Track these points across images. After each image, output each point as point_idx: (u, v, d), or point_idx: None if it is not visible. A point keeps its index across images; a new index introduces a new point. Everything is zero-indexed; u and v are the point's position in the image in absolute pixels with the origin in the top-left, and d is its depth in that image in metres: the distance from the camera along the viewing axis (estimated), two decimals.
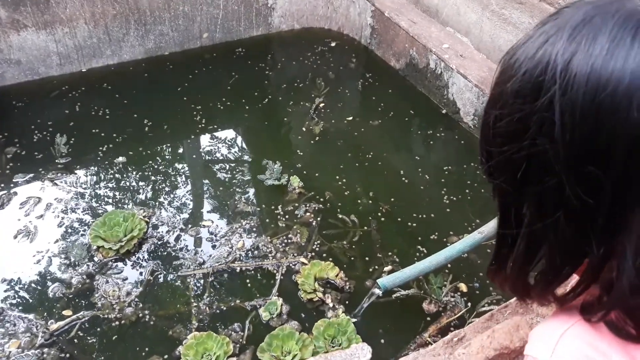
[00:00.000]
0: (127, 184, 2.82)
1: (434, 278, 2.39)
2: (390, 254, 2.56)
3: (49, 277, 2.35)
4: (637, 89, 0.51)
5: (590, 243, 0.58)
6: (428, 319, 2.28)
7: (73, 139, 2.98)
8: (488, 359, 1.22)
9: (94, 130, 3.07)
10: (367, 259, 2.54)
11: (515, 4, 2.79)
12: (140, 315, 2.24)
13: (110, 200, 2.72)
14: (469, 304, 2.33)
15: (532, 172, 0.59)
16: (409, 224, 2.71)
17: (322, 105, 3.46)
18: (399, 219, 2.73)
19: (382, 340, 2.22)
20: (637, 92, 0.51)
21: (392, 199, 2.82)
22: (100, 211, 2.64)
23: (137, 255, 2.47)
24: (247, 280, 2.43)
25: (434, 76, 3.45)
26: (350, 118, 3.39)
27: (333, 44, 4.01)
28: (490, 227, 2.08)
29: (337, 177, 2.95)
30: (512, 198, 0.63)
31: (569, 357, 0.64)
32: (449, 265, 2.39)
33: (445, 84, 3.38)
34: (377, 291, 2.17)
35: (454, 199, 2.87)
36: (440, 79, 3.41)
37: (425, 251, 2.56)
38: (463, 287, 2.40)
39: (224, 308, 2.31)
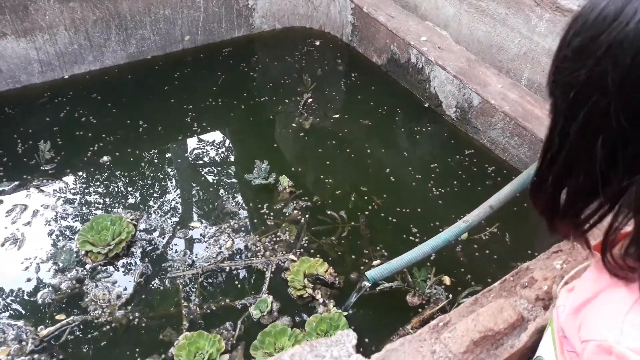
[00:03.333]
0: (114, 187, 2.81)
1: (417, 271, 2.41)
2: (378, 248, 2.59)
3: (37, 284, 2.34)
4: None
5: (617, 170, 0.65)
6: (411, 312, 2.31)
7: (58, 145, 2.97)
8: (473, 341, 1.24)
9: (78, 136, 3.06)
10: (356, 253, 2.56)
11: None
12: (131, 318, 2.25)
13: (97, 205, 2.71)
14: (450, 296, 2.36)
15: (586, 92, 0.65)
16: (397, 218, 2.74)
17: (310, 100, 3.48)
18: (387, 214, 2.75)
19: (367, 332, 2.24)
20: None
21: (380, 194, 2.85)
22: (87, 216, 2.64)
23: (126, 259, 2.47)
24: (237, 279, 2.44)
25: (415, 70, 3.48)
26: (337, 116, 3.41)
27: (317, 43, 4.03)
28: (474, 215, 2.11)
29: (325, 174, 2.97)
30: (563, 115, 0.69)
31: None
32: (432, 258, 2.42)
33: (426, 77, 3.41)
34: (366, 283, 2.19)
35: (442, 191, 2.90)
36: (421, 73, 3.44)
37: (413, 244, 2.58)
38: (447, 279, 2.43)
39: (215, 308, 2.32)
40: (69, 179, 2.84)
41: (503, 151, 3.07)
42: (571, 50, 0.66)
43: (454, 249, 2.57)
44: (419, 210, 2.79)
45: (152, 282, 2.40)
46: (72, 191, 2.77)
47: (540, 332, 1.29)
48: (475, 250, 2.59)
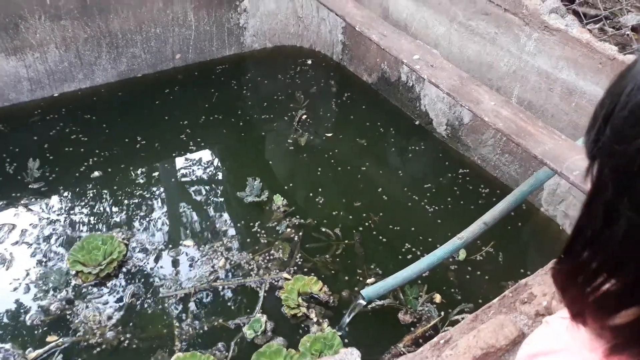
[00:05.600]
0: (105, 207, 2.78)
1: (409, 289, 2.40)
2: (373, 266, 2.58)
3: (26, 305, 2.29)
4: None
5: None
6: (403, 329, 2.30)
7: (48, 163, 2.94)
8: (475, 358, 1.23)
9: (67, 154, 3.03)
10: (350, 272, 2.55)
11: (481, 15, 2.87)
12: (122, 339, 2.20)
13: (88, 224, 2.68)
14: (442, 313, 2.35)
15: None
16: (391, 235, 2.73)
17: (304, 117, 3.48)
18: (382, 232, 2.75)
19: (360, 351, 2.22)
20: None
21: (374, 212, 2.85)
22: (77, 235, 2.60)
23: (117, 279, 2.44)
24: (230, 299, 2.41)
25: (405, 89, 3.51)
26: (330, 134, 3.41)
27: (309, 62, 4.05)
28: (469, 232, 2.11)
29: (318, 191, 2.96)
30: (613, 187, 0.53)
31: None
32: (424, 275, 2.42)
33: (417, 95, 3.44)
34: (361, 302, 2.18)
35: (435, 208, 2.91)
36: (412, 91, 3.47)
37: (408, 262, 2.57)
38: (438, 297, 2.42)
39: (207, 328, 2.28)
40: (59, 197, 2.80)
41: (494, 168, 3.09)
42: (634, 109, 0.52)
43: (447, 267, 2.57)
44: (413, 228, 2.79)
45: (144, 303, 2.36)
46: (62, 210, 2.74)
47: None
48: (467, 268, 2.59)
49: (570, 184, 1.88)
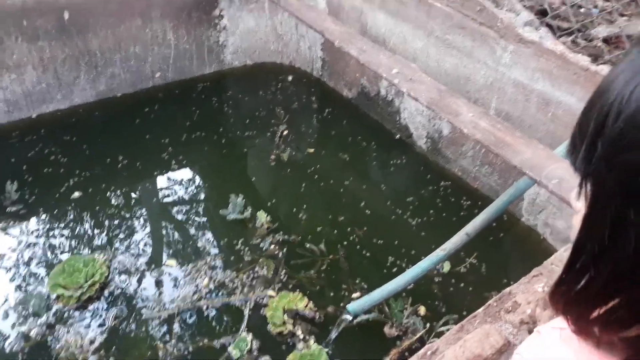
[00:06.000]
0: (86, 228, 2.74)
1: (394, 302, 2.40)
2: (358, 280, 2.57)
3: (5, 331, 2.24)
4: None
5: None
6: (390, 343, 2.29)
7: (25, 186, 2.89)
8: None
9: (47, 176, 2.99)
10: (335, 287, 2.54)
11: (458, 29, 2.92)
12: None
13: (68, 246, 2.63)
14: (428, 325, 2.35)
15: None
16: (376, 249, 2.74)
17: (285, 132, 3.49)
18: (366, 246, 2.75)
19: None
20: None
21: (358, 226, 2.85)
22: (58, 258, 2.55)
23: (99, 301, 2.40)
24: (215, 318, 2.38)
25: (385, 103, 3.54)
26: (312, 150, 3.42)
27: (289, 78, 4.07)
28: (451, 243, 2.12)
29: (301, 207, 2.96)
30: (620, 199, 0.52)
31: None
32: (408, 288, 2.42)
33: (396, 109, 3.47)
34: (347, 317, 2.17)
35: (418, 221, 2.92)
36: (391, 105, 3.50)
37: (393, 275, 2.57)
38: (422, 309, 2.43)
39: (192, 349, 2.25)
40: (38, 219, 2.76)
41: (474, 180, 3.13)
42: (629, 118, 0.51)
43: (431, 279, 2.58)
44: (397, 241, 2.79)
45: (127, 325, 2.32)
46: (42, 232, 2.69)
47: None
48: (451, 280, 2.60)
49: (549, 192, 1.91)
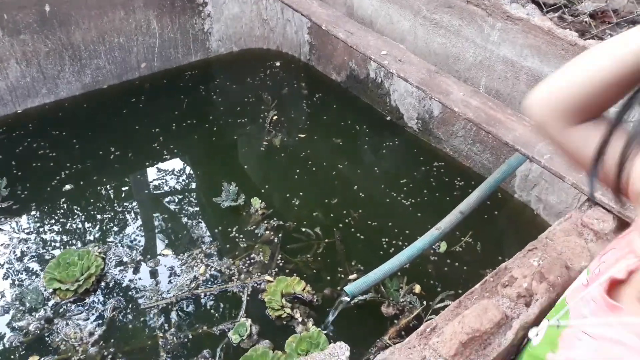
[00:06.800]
0: (79, 221, 2.73)
1: (389, 282, 2.42)
2: (354, 262, 2.59)
3: (3, 327, 2.23)
4: None
5: None
6: (387, 322, 2.32)
7: (16, 181, 2.87)
8: (462, 343, 1.25)
9: (36, 170, 2.96)
10: (332, 269, 2.55)
11: (445, 9, 2.91)
12: (106, 354, 2.16)
13: (61, 240, 2.62)
14: (424, 302, 2.37)
15: None
16: (371, 231, 2.75)
17: (275, 117, 3.48)
18: (361, 228, 2.76)
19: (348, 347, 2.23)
20: None
21: (353, 209, 2.86)
22: (52, 252, 2.54)
23: (96, 294, 2.39)
24: (213, 306, 2.39)
25: (375, 85, 3.54)
26: (303, 135, 3.41)
27: (277, 64, 4.05)
28: (445, 222, 2.14)
29: (295, 192, 2.96)
30: None
31: None
32: (406, 268, 2.44)
33: (386, 91, 3.47)
34: (345, 299, 2.18)
35: (412, 201, 2.93)
36: (381, 87, 3.50)
37: (388, 255, 2.59)
38: (417, 288, 2.45)
39: (192, 336, 2.26)
40: (30, 214, 2.74)
41: (466, 158, 3.14)
42: None
43: (427, 259, 2.60)
44: (391, 222, 2.80)
45: (125, 315, 2.32)
46: (35, 227, 2.67)
47: (525, 329, 1.31)
48: (446, 259, 2.62)
49: (542, 167, 1.92)
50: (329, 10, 2.91)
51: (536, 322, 1.35)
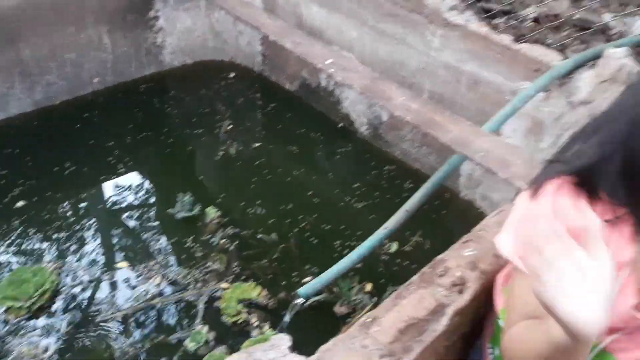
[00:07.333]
0: (33, 237, 2.71)
1: (342, 282, 2.49)
2: (309, 266, 2.65)
3: None
4: None
5: None
6: (341, 321, 2.39)
7: None
8: (400, 330, 1.32)
9: None
10: (287, 273, 2.61)
11: (389, 18, 3.02)
12: None
13: (15, 258, 2.60)
14: (375, 299, 2.45)
15: None
16: (325, 235, 2.82)
17: (230, 127, 3.52)
18: (316, 232, 2.83)
19: (302, 348, 2.28)
20: None
21: (308, 215, 2.92)
22: (4, 270, 2.52)
23: (51, 309, 2.38)
24: (169, 315, 2.41)
25: (327, 93, 3.62)
26: (258, 144, 3.46)
27: (231, 75, 4.10)
28: (392, 221, 2.22)
29: (251, 200, 3.01)
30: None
31: None
32: (358, 267, 2.51)
33: (337, 99, 3.56)
34: (299, 300, 2.24)
35: (364, 204, 3.02)
36: (332, 95, 3.59)
37: (342, 257, 2.65)
38: (369, 286, 2.53)
39: (149, 346, 2.28)
40: None
41: (415, 161, 3.25)
42: None
43: (378, 259, 2.68)
44: (344, 225, 2.88)
45: (81, 330, 2.32)
46: None
47: (458, 315, 1.40)
48: (396, 258, 2.71)
49: (476, 164, 2.03)
50: (277, 22, 3.00)
51: (469, 307, 1.44)
